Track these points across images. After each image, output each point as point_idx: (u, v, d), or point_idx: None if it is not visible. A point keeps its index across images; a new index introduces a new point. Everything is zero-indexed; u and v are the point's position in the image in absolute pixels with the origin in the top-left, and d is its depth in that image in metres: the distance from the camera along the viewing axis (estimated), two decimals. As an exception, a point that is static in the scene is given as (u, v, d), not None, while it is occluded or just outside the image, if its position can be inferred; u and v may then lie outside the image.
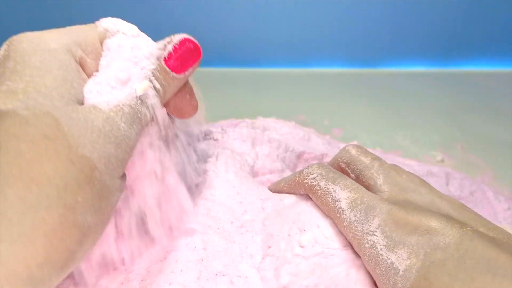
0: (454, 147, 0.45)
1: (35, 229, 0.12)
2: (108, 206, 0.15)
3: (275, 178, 0.28)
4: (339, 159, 0.24)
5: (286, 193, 0.25)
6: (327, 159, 0.34)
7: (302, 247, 0.20)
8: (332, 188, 0.21)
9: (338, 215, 0.20)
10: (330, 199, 0.20)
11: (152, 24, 0.69)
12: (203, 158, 0.27)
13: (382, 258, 0.17)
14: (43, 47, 0.15)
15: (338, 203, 0.20)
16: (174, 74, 0.18)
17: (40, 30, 0.17)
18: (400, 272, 0.17)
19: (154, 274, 0.19)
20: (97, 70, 0.17)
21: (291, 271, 0.19)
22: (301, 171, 0.23)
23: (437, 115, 0.53)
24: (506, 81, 0.63)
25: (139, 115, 0.17)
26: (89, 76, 0.17)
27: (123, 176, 0.16)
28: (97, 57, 0.18)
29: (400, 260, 0.17)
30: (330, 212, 0.20)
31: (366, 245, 0.18)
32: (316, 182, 0.22)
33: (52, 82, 0.14)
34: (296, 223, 0.21)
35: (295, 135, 0.35)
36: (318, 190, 0.21)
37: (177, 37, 0.20)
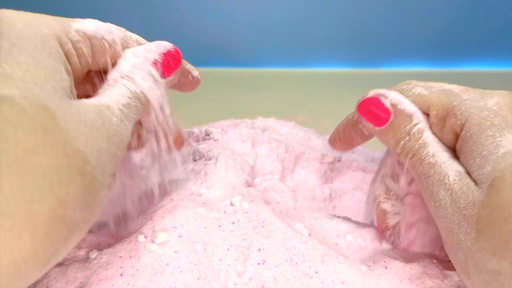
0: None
1: (26, 222, 0.12)
2: (96, 202, 0.15)
3: (275, 178, 0.28)
4: None
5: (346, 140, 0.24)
6: (327, 159, 0.34)
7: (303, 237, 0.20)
8: (435, 84, 0.20)
9: (448, 99, 0.19)
10: (436, 90, 0.20)
11: (152, 24, 0.69)
12: (204, 158, 0.27)
13: (487, 134, 0.16)
14: (37, 32, 0.15)
15: (448, 92, 0.19)
16: (158, 79, 0.19)
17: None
18: (500, 152, 0.16)
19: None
20: (81, 64, 0.18)
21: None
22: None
23: (437, 115, 0.53)
24: (506, 81, 0.63)
25: (132, 112, 0.17)
26: (72, 67, 0.17)
27: (114, 174, 0.16)
28: (85, 50, 0.18)
29: (505, 142, 0.16)
30: (435, 99, 0.19)
31: (476, 117, 0.17)
32: (412, 85, 0.20)
33: (46, 74, 0.14)
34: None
35: (295, 135, 0.35)
36: (419, 87, 0.20)
37: (161, 45, 0.20)
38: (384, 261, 0.21)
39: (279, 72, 0.69)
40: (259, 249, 0.21)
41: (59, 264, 0.18)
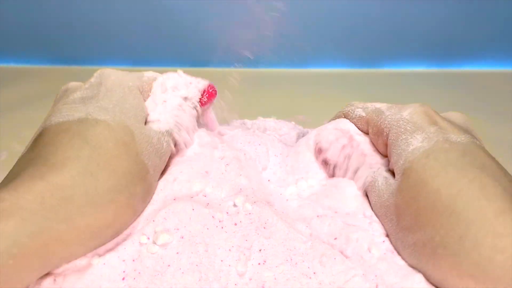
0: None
1: (111, 204, 0.18)
2: (149, 198, 0.22)
3: (280, 178, 0.28)
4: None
5: None
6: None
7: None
8: (370, 104, 0.25)
9: (377, 117, 0.24)
10: (370, 110, 0.25)
11: (152, 24, 0.69)
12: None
13: (401, 138, 0.21)
14: (124, 84, 0.23)
15: (378, 111, 0.24)
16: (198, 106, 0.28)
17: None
18: (410, 149, 0.20)
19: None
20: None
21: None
22: (337, 115, 0.29)
23: (437, 115, 0.53)
24: (506, 81, 0.63)
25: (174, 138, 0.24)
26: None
27: (157, 180, 0.23)
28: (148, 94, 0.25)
29: (414, 141, 0.20)
30: (370, 120, 0.24)
31: (394, 127, 0.22)
32: (351, 107, 0.26)
33: (130, 108, 0.21)
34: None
35: (295, 135, 0.35)
36: (356, 108, 0.26)
37: (204, 83, 0.28)
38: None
39: (279, 72, 0.69)
40: (260, 250, 0.21)
41: (59, 275, 0.18)
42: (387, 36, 0.67)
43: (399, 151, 0.21)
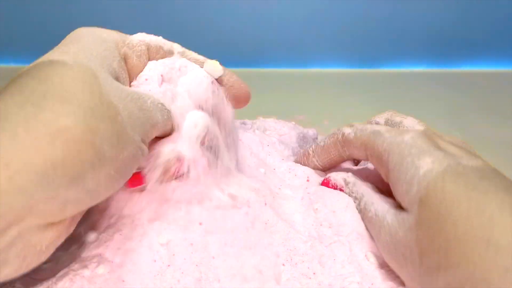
0: (454, 147, 0.45)
1: (60, 134, 0.14)
2: (125, 153, 0.16)
3: (282, 178, 0.28)
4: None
5: (323, 163, 0.27)
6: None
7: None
8: (369, 126, 0.23)
9: (376, 139, 0.22)
10: (368, 132, 0.23)
11: (152, 24, 0.69)
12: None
13: (407, 161, 0.19)
14: (97, 34, 0.19)
15: (376, 132, 0.22)
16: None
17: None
18: (421, 173, 0.18)
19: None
20: (140, 61, 0.21)
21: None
22: (333, 134, 0.27)
23: (437, 115, 0.53)
24: (506, 81, 0.63)
25: (164, 111, 0.19)
26: (129, 71, 0.20)
27: (144, 140, 0.18)
28: (141, 59, 0.21)
29: (423, 164, 0.18)
30: (368, 142, 0.22)
31: (396, 150, 0.20)
32: (350, 129, 0.24)
33: (97, 57, 0.17)
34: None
35: (295, 135, 0.35)
36: (354, 131, 0.24)
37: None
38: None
39: (279, 72, 0.69)
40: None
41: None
42: (387, 36, 0.67)
43: (407, 177, 0.18)
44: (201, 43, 0.75)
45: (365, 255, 0.21)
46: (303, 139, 0.35)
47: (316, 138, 0.37)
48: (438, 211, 0.16)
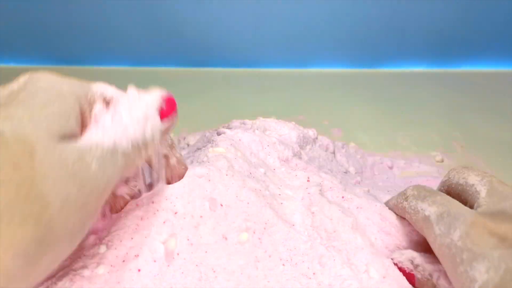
0: (454, 147, 0.45)
1: None
2: (48, 254, 0.14)
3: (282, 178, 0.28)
4: (443, 183, 0.24)
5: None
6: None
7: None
8: (420, 207, 0.21)
9: (427, 231, 0.20)
10: (420, 217, 0.21)
11: (152, 24, 0.69)
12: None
13: (460, 271, 0.17)
14: (56, 88, 0.16)
15: (427, 221, 0.20)
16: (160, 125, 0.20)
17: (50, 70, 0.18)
18: (476, 286, 0.16)
19: None
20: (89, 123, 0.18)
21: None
22: (401, 194, 0.24)
23: (437, 115, 0.53)
24: (506, 81, 0.63)
25: (119, 160, 0.17)
26: (84, 126, 0.18)
27: (83, 224, 0.15)
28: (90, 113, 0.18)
29: (478, 273, 0.16)
30: (422, 230, 0.21)
31: (448, 256, 0.18)
32: (408, 203, 0.22)
33: (49, 115, 0.15)
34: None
35: (295, 135, 0.35)
36: (409, 211, 0.22)
37: (158, 94, 0.21)
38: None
39: (279, 72, 0.69)
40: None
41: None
42: (387, 36, 0.67)
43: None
44: (201, 43, 0.75)
45: (366, 268, 0.21)
46: (303, 139, 0.35)
47: (316, 138, 0.37)
48: None
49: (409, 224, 0.23)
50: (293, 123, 0.37)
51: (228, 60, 0.71)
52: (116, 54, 0.72)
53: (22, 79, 0.17)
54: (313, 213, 0.23)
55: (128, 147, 0.17)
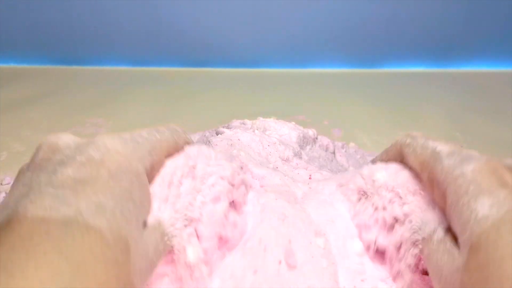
0: (454, 147, 0.45)
1: None
2: None
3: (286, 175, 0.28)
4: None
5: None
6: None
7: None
8: (432, 144, 0.21)
9: (434, 163, 0.20)
10: (428, 152, 0.20)
11: (153, 25, 0.69)
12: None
13: (463, 202, 0.17)
14: (133, 167, 0.17)
15: (436, 155, 0.20)
16: None
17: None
18: (475, 218, 0.16)
19: None
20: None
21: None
22: (392, 147, 0.23)
23: (437, 115, 0.53)
24: (506, 81, 0.63)
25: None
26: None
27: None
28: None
29: (480, 206, 0.17)
30: (426, 165, 0.20)
31: (453, 186, 0.18)
32: (415, 140, 0.22)
33: (134, 207, 0.16)
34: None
35: (295, 135, 0.35)
36: (414, 146, 0.21)
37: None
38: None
39: (279, 72, 0.69)
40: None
41: None
42: (387, 36, 0.67)
43: (462, 220, 0.17)
44: (201, 43, 0.75)
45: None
46: (303, 139, 0.35)
47: (316, 138, 0.37)
48: (486, 262, 0.16)
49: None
50: (293, 123, 0.37)
51: (228, 60, 0.71)
52: (116, 54, 0.72)
53: (92, 144, 0.16)
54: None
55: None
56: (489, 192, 0.17)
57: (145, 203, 0.17)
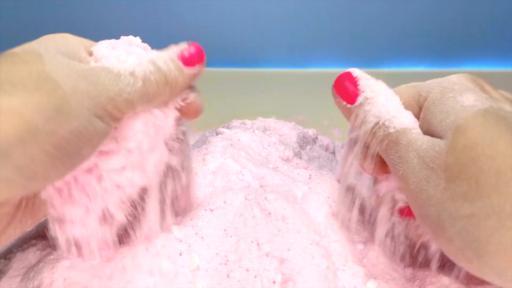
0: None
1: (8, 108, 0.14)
2: (66, 128, 0.15)
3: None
4: None
5: None
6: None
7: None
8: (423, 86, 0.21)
9: (413, 86, 0.21)
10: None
11: (152, 25, 0.69)
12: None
13: (448, 96, 0.18)
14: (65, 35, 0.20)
15: (417, 83, 0.21)
16: (183, 66, 0.20)
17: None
18: (460, 105, 0.17)
19: None
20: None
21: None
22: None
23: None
24: (506, 81, 0.63)
25: (138, 82, 0.18)
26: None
27: (102, 117, 0.16)
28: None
29: (465, 100, 0.17)
30: (408, 93, 0.21)
31: (437, 87, 0.18)
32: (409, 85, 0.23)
33: (58, 45, 0.18)
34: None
35: (295, 135, 0.35)
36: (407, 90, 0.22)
37: (184, 43, 0.21)
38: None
39: (279, 72, 0.69)
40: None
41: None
42: (387, 36, 0.67)
43: (446, 108, 0.17)
44: (201, 43, 0.75)
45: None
46: (303, 139, 0.35)
47: (316, 138, 0.37)
48: (476, 141, 0.16)
49: None
50: (293, 123, 0.37)
51: (228, 60, 0.71)
52: (116, 54, 0.72)
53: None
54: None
55: (145, 73, 0.18)
56: (473, 91, 0.18)
57: (72, 49, 0.19)
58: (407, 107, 0.20)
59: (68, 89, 0.15)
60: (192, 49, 0.21)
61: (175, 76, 0.19)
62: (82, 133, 0.15)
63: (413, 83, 0.21)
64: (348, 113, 0.22)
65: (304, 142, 0.35)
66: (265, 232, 0.21)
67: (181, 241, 0.21)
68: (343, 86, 0.23)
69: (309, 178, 0.27)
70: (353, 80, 0.22)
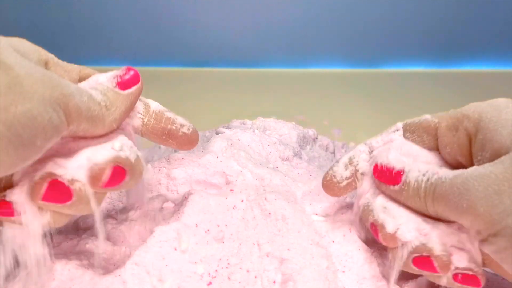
0: (454, 147, 0.45)
1: None
2: (19, 108, 0.14)
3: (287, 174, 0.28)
4: None
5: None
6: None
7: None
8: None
9: (456, 111, 0.22)
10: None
11: (152, 24, 0.69)
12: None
13: (506, 112, 0.18)
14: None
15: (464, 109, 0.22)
16: (118, 90, 0.20)
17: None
18: None
19: None
20: None
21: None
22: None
23: (437, 115, 0.53)
24: (506, 81, 0.63)
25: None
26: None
27: (57, 110, 0.16)
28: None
29: None
30: (449, 114, 0.22)
31: (489, 107, 0.19)
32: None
33: (10, 45, 0.18)
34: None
35: (295, 135, 0.35)
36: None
37: (122, 68, 0.21)
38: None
39: (279, 72, 0.69)
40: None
41: None
42: (387, 36, 0.67)
43: (510, 123, 0.17)
44: (201, 43, 0.75)
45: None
46: (303, 139, 0.35)
47: (316, 138, 0.37)
48: None
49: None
50: (293, 123, 0.37)
51: (228, 60, 0.71)
52: (116, 54, 0.72)
53: None
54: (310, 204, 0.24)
55: (88, 91, 0.18)
56: None
57: (27, 51, 0.19)
58: (445, 128, 0.22)
59: (22, 73, 0.15)
60: (128, 75, 0.21)
61: (113, 98, 0.20)
62: (36, 119, 0.15)
63: (450, 111, 0.22)
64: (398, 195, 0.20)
65: (304, 142, 0.35)
66: (265, 232, 0.21)
67: (184, 252, 0.20)
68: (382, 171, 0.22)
69: (309, 178, 0.27)
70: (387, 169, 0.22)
